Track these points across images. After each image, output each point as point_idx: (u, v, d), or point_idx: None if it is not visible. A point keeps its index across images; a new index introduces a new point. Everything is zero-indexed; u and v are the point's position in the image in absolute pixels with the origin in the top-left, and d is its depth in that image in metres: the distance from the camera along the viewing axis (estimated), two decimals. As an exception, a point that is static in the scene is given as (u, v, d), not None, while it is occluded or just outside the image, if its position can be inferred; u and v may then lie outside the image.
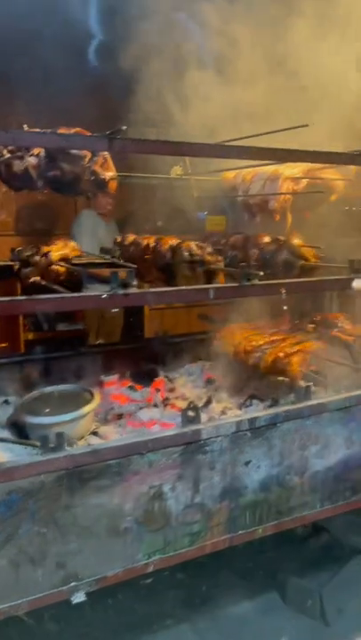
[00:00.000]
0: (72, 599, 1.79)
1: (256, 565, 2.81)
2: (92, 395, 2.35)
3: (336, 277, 2.12)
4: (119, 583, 2.22)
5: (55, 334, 4.94)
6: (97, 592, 1.95)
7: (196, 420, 1.94)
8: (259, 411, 2.28)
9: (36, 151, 1.84)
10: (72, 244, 2.27)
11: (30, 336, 4.90)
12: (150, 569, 1.93)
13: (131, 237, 2.55)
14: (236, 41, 2.40)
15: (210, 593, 2.71)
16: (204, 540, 2.01)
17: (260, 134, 2.17)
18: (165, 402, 2.63)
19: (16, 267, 2.24)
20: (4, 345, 4.05)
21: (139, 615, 2.58)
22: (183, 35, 2.33)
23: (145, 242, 2.41)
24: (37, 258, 2.09)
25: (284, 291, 1.90)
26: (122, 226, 4.54)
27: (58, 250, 2.22)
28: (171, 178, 2.74)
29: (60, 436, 1.73)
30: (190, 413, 1.93)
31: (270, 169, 2.51)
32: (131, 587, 2.58)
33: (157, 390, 2.76)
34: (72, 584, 1.79)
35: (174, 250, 2.22)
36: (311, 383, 2.18)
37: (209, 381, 2.90)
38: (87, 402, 2.29)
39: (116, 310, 4.66)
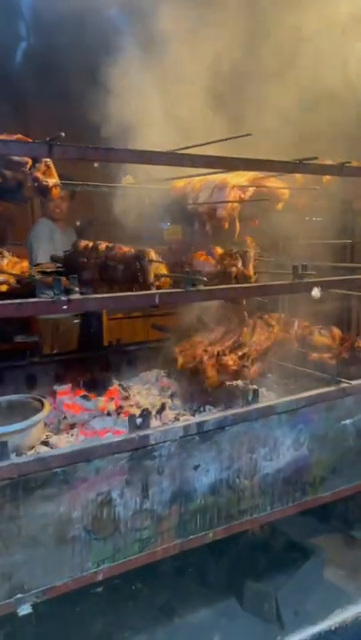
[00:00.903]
0: (18, 611, 1.76)
1: (214, 572, 2.81)
2: (42, 404, 2.33)
3: (280, 283, 2.17)
4: (76, 595, 2.19)
5: (12, 346, 4.87)
6: (54, 605, 1.92)
7: (144, 425, 1.95)
8: (209, 414, 2.30)
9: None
10: (25, 263, 2.25)
11: (-13, 348, 4.81)
12: (100, 577, 1.91)
13: (84, 244, 2.55)
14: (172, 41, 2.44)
15: (169, 602, 2.69)
16: (155, 545, 2.00)
17: (208, 143, 2.21)
18: (119, 410, 2.62)
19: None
20: None
21: (97, 627, 2.55)
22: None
23: (100, 248, 2.41)
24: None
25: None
26: (80, 234, 4.53)
27: (10, 261, 2.21)
28: (122, 186, 2.76)
29: (3, 445, 1.71)
30: (138, 419, 1.93)
31: (218, 177, 2.56)
32: (88, 598, 2.55)
33: (111, 399, 2.74)
34: (18, 596, 1.76)
35: (127, 257, 2.23)
36: (256, 388, 2.21)
37: (164, 389, 2.91)
38: (37, 411, 2.26)
39: (76, 321, 4.64)
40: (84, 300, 1.73)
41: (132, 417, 1.94)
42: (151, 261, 2.13)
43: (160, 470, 1.97)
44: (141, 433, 1.91)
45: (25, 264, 2.29)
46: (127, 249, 2.31)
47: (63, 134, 1.60)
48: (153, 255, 2.16)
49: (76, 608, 2.59)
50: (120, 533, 1.93)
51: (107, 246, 2.43)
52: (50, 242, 4.21)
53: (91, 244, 2.53)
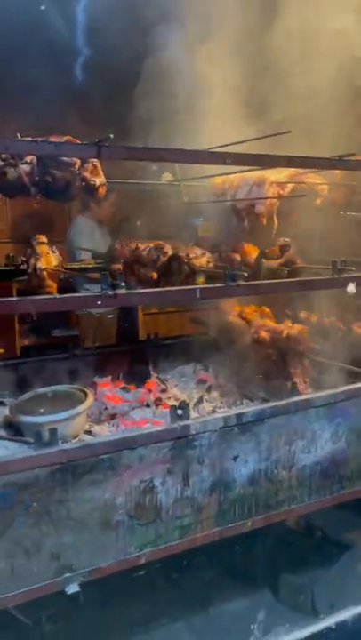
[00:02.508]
0: (66, 590, 1.85)
1: (249, 563, 2.86)
2: (85, 394, 2.42)
3: (320, 278, 2.20)
4: (115, 583, 2.27)
5: (51, 340, 5.02)
6: (92, 591, 2.00)
7: (184, 416, 2.01)
8: (248, 406, 2.34)
9: (28, 159, 1.92)
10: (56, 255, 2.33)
11: (26, 342, 4.97)
12: (142, 561, 1.99)
13: (125, 241, 2.63)
14: (220, 48, 2.49)
15: (204, 592, 2.76)
16: (195, 532, 2.07)
17: (246, 140, 2.25)
18: (157, 402, 2.69)
19: (11, 270, 2.31)
20: (1, 351, 4.12)
21: (135, 614, 2.63)
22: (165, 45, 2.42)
23: (139, 246, 2.49)
24: (32, 262, 2.16)
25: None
26: (115, 231, 4.63)
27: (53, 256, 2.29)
28: (161, 184, 2.83)
29: (52, 431, 1.80)
30: (179, 410, 2.00)
31: (257, 174, 2.59)
32: (126, 586, 2.63)
33: (150, 391, 2.82)
34: (66, 575, 1.85)
35: (170, 257, 2.30)
36: (295, 381, 2.24)
37: (201, 382, 2.97)
38: (81, 401, 2.35)
39: (110, 316, 4.75)
40: (129, 295, 1.80)
41: (173, 408, 2.00)
42: (190, 258, 2.19)
43: (200, 460, 2.04)
44: (183, 423, 1.98)
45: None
46: (167, 245, 2.37)
47: (112, 135, 1.66)
48: (196, 250, 2.21)
49: (113, 595, 2.68)
50: (161, 520, 2.00)
51: (146, 243, 2.50)
52: (90, 239, 4.32)
53: (132, 241, 2.61)
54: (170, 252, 2.24)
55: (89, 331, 4.70)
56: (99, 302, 1.77)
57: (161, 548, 2.01)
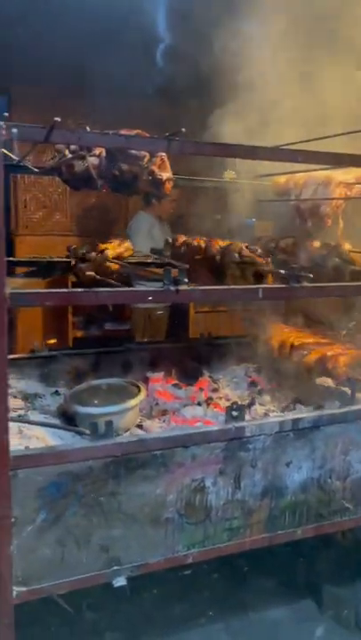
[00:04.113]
0: (114, 583, 1.85)
1: (293, 572, 2.81)
2: (138, 389, 2.43)
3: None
4: (155, 579, 2.27)
5: (103, 333, 5.08)
6: (134, 585, 2.01)
7: (239, 418, 1.98)
8: (303, 412, 2.29)
9: (97, 151, 1.93)
10: (126, 243, 2.36)
11: (79, 334, 5.05)
12: (189, 560, 1.97)
13: (182, 238, 2.63)
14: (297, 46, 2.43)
15: (245, 596, 2.72)
16: (243, 536, 2.04)
17: (317, 139, 2.20)
18: (208, 401, 2.67)
19: (72, 262, 2.33)
20: (53, 341, 4.20)
21: (174, 611, 2.63)
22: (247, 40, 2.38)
23: (196, 243, 2.47)
24: (93, 255, 2.18)
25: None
26: (173, 227, 4.64)
27: (113, 248, 2.31)
28: (223, 181, 2.80)
29: (108, 424, 1.80)
30: (234, 412, 1.97)
31: (323, 174, 2.53)
32: (167, 583, 2.64)
33: (201, 389, 2.80)
34: (114, 568, 1.86)
35: (224, 251, 2.27)
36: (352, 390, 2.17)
37: (252, 384, 2.93)
38: (134, 395, 2.36)
39: (161, 312, 4.76)
40: (191, 291, 1.78)
41: (229, 408, 1.97)
42: (243, 257, 2.14)
43: (253, 463, 2.00)
44: (238, 425, 1.94)
45: (127, 244, 2.37)
46: (225, 243, 2.34)
47: (184, 130, 1.65)
48: (246, 251, 2.17)
49: (153, 590, 2.69)
50: (211, 520, 1.98)
51: (206, 240, 2.48)
52: (148, 235, 4.33)
53: (190, 237, 2.60)
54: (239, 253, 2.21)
55: (139, 325, 4.73)
56: (160, 297, 1.77)
57: (209, 548, 1.99)
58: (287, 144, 2.24)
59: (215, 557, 2.03)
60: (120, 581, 1.84)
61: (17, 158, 2.00)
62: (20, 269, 2.88)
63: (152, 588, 2.67)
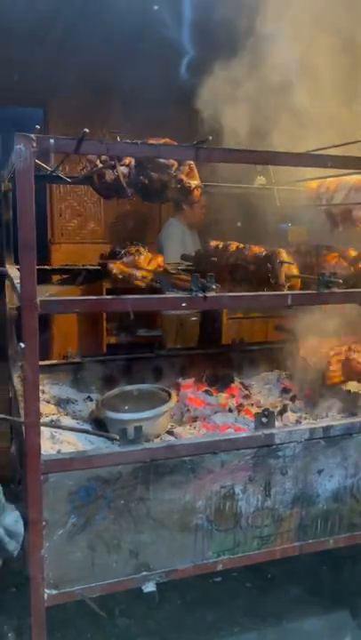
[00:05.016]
0: (143, 588, 1.86)
1: (328, 583, 2.75)
2: (169, 395, 2.44)
3: None
4: (188, 586, 2.26)
5: (135, 339, 5.12)
6: (166, 592, 2.01)
7: (269, 424, 1.96)
8: (334, 419, 2.25)
9: (127, 161, 1.96)
10: (159, 259, 2.36)
11: (112, 340, 5.12)
12: (219, 567, 1.97)
13: (214, 244, 2.63)
14: (324, 49, 2.42)
15: (279, 606, 2.68)
16: (274, 544, 2.01)
17: (346, 143, 2.17)
18: (240, 408, 2.65)
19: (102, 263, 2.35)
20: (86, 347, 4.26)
21: (207, 619, 2.61)
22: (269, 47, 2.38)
23: (228, 249, 2.47)
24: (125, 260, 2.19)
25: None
26: (203, 234, 4.64)
27: (147, 259, 2.32)
28: (254, 187, 2.79)
29: (138, 429, 1.82)
30: (264, 418, 1.96)
31: (354, 178, 2.49)
32: (199, 590, 2.62)
33: (232, 396, 2.79)
34: (143, 573, 1.87)
35: (258, 257, 2.26)
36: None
37: (285, 391, 2.90)
38: (165, 401, 2.37)
39: (194, 318, 4.76)
40: (219, 298, 1.78)
41: (258, 415, 1.96)
42: (283, 262, 2.13)
43: (283, 470, 1.98)
44: (267, 431, 1.93)
45: (160, 259, 2.39)
46: (258, 249, 2.33)
47: (210, 138, 1.66)
48: (285, 256, 2.16)
49: (186, 597, 2.68)
50: (241, 528, 1.97)
51: (238, 246, 2.48)
52: (181, 242, 4.35)
53: (222, 244, 2.60)
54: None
55: (171, 332, 4.74)
56: (185, 304, 1.77)
57: (239, 556, 1.97)
58: (319, 149, 2.22)
59: (246, 565, 2.01)
60: (150, 587, 1.85)
61: (50, 169, 2.05)
62: (55, 277, 2.96)
63: (183, 594, 2.66)
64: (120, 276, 1.99)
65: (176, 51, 3.19)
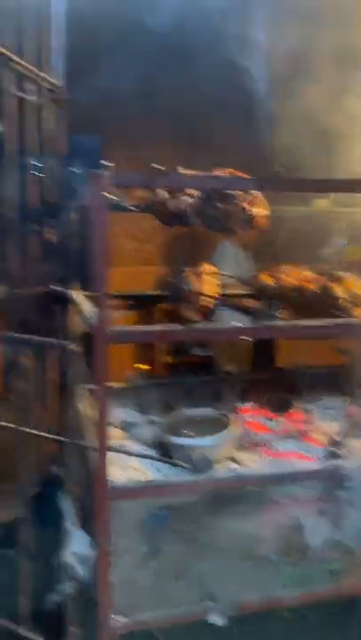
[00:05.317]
0: (210, 620, 1.84)
1: None
2: (230, 420, 2.42)
3: None
4: (256, 618, 2.16)
5: (189, 358, 5.13)
6: (234, 622, 1.95)
7: (337, 454, 1.92)
8: None
9: (192, 191, 2.00)
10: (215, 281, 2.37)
11: (167, 359, 5.15)
12: (286, 602, 1.92)
13: (271, 269, 2.61)
14: None
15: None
16: (344, 580, 1.95)
17: None
18: (302, 433, 2.60)
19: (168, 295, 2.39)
20: (146, 367, 4.31)
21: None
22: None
23: (289, 276, 2.45)
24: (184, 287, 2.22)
25: None
26: (258, 256, 4.61)
27: (205, 280, 2.34)
28: (314, 211, 2.77)
29: (207, 459, 1.82)
30: (332, 448, 1.91)
31: None
32: (267, 621, 2.50)
33: (293, 421, 2.74)
34: (210, 604, 1.85)
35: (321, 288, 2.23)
36: None
37: (349, 416, 2.82)
38: (226, 426, 2.35)
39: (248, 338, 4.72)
40: (283, 327, 1.77)
41: (327, 446, 1.92)
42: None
43: (353, 503, 1.92)
44: (336, 462, 1.89)
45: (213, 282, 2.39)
46: (318, 276, 2.30)
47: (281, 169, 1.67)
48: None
49: (253, 627, 2.55)
50: (308, 561, 1.92)
51: (297, 272, 2.45)
52: (235, 265, 4.34)
53: (279, 269, 2.58)
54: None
55: (223, 352, 4.73)
56: (250, 334, 1.77)
57: (307, 591, 1.92)
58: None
59: (315, 601, 1.96)
60: (217, 620, 1.83)
61: (116, 198, 2.11)
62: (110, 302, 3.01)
63: (252, 626, 2.55)
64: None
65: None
